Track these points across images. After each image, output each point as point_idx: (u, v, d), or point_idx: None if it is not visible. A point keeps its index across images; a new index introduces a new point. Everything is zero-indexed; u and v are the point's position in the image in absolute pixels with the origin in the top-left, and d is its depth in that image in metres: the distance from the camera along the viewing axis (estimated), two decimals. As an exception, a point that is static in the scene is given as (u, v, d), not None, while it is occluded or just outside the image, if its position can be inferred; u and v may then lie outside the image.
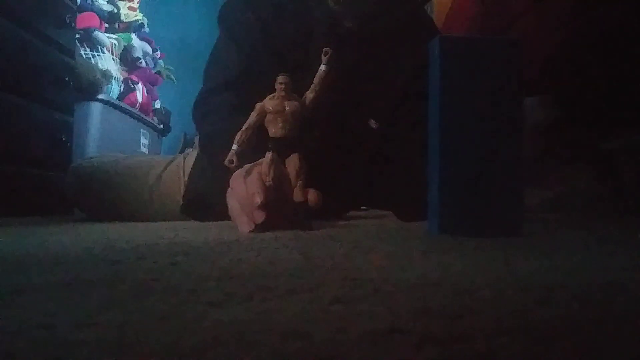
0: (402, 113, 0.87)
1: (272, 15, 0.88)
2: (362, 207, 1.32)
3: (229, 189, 0.67)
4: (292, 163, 0.63)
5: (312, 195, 0.62)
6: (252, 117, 0.64)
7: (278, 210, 0.62)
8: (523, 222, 0.54)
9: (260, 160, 0.64)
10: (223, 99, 0.85)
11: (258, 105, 0.65)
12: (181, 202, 0.99)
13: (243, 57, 0.87)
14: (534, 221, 0.73)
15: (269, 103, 0.64)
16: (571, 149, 1.16)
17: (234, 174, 0.66)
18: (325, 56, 0.65)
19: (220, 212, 0.72)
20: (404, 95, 0.88)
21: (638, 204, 1.03)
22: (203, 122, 0.88)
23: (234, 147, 0.63)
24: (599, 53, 1.03)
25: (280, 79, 0.63)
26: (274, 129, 0.64)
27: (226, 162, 0.63)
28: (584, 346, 0.17)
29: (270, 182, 0.62)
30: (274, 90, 0.64)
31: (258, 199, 0.59)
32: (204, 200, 0.90)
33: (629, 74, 1.02)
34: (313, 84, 0.66)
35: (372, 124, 0.88)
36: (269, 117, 0.64)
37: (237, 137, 0.64)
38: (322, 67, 0.65)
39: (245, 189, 0.62)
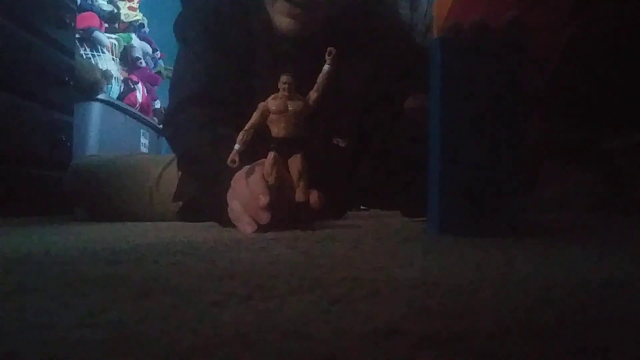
0: (367, 120, 0.85)
1: (215, 23, 0.86)
2: (362, 207, 1.32)
3: (230, 189, 0.67)
4: (295, 163, 0.63)
5: (314, 196, 0.62)
6: (255, 116, 0.63)
7: (279, 210, 0.62)
8: (523, 222, 0.54)
9: (261, 161, 0.64)
10: (191, 114, 0.82)
11: (261, 105, 0.63)
12: (181, 203, 0.99)
13: (204, 68, 0.84)
14: (534, 221, 0.73)
15: (271, 103, 0.63)
16: (571, 149, 1.16)
17: (235, 175, 0.65)
18: (329, 56, 0.64)
19: (213, 216, 0.71)
20: (367, 102, 0.85)
21: (638, 204, 1.03)
22: (175, 140, 0.87)
23: (237, 146, 0.62)
24: (599, 53, 1.03)
25: (283, 78, 0.62)
26: (277, 129, 0.63)
27: (228, 161, 0.62)
28: (584, 346, 0.17)
29: (273, 182, 0.61)
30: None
31: (264, 200, 0.59)
32: (197, 204, 0.90)
33: (629, 73, 1.02)
34: (316, 84, 0.65)
35: (340, 142, 0.86)
36: (271, 117, 0.63)
37: (239, 136, 0.63)
38: (326, 67, 0.64)
39: (247, 190, 0.62)
